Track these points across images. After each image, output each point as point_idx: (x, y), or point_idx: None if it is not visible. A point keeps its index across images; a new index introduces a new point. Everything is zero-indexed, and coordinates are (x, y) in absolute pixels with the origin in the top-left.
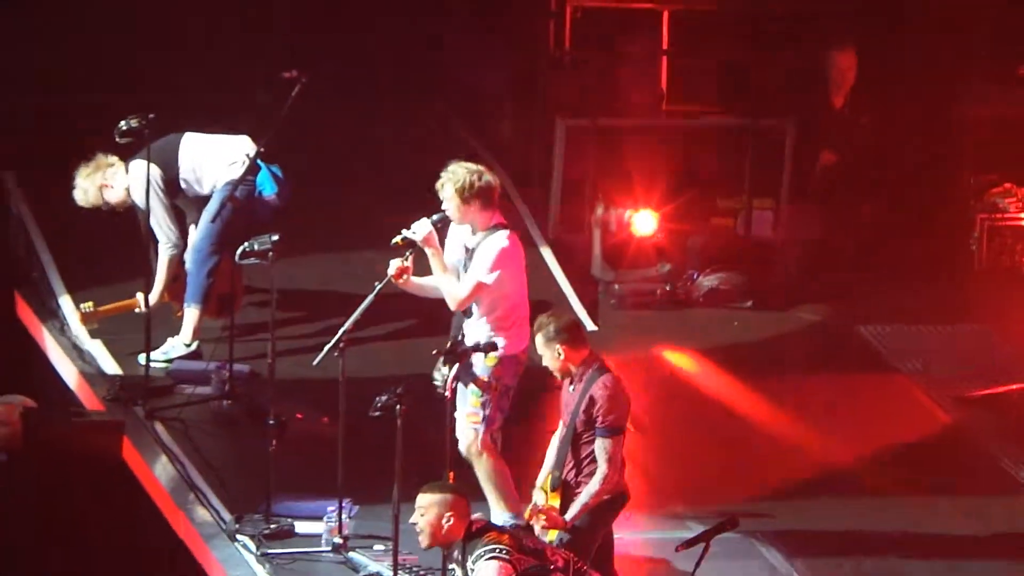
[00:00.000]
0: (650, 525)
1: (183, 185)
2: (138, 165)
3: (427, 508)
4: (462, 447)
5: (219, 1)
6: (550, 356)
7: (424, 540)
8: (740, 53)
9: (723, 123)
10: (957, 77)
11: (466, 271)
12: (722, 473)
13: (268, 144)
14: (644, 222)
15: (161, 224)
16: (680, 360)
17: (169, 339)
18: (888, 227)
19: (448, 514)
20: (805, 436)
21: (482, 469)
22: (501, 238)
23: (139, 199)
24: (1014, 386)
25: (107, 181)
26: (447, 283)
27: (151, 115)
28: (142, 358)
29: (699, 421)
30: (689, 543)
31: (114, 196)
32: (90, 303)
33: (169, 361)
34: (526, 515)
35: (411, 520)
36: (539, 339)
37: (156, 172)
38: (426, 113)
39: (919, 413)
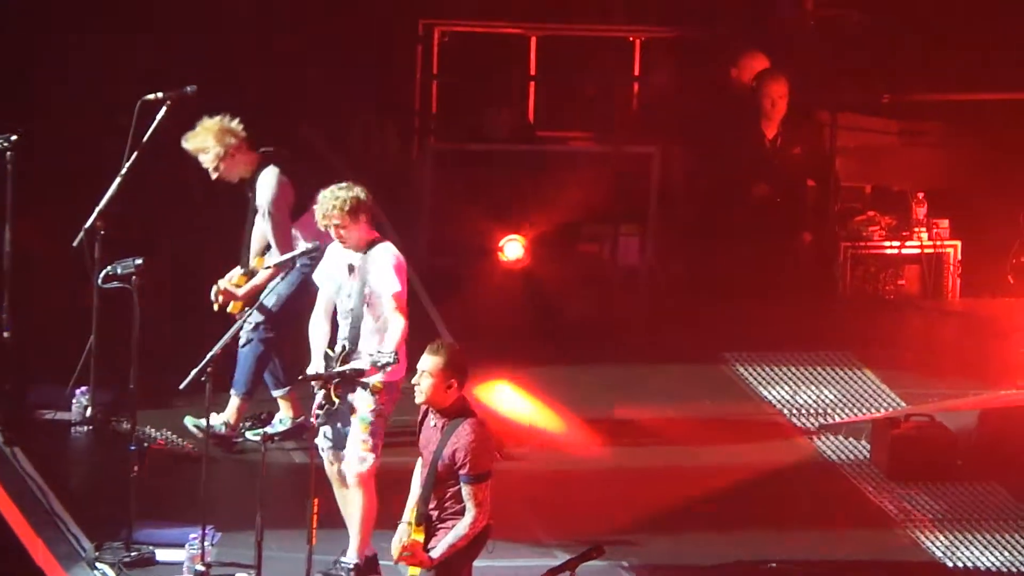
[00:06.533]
0: (514, 554)
1: None
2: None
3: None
4: (350, 475)
5: None
6: (437, 384)
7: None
8: (608, 79)
9: (589, 149)
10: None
11: (350, 295)
12: (588, 503)
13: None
14: (511, 248)
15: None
16: (535, 393)
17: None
18: (754, 256)
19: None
20: (670, 467)
21: (358, 503)
22: (390, 247)
23: (265, 202)
24: (877, 414)
25: (236, 152)
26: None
27: None
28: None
29: (564, 451)
30: (554, 571)
31: (233, 171)
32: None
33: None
34: (393, 550)
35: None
36: (435, 363)
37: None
38: (291, 135)
39: (784, 442)
